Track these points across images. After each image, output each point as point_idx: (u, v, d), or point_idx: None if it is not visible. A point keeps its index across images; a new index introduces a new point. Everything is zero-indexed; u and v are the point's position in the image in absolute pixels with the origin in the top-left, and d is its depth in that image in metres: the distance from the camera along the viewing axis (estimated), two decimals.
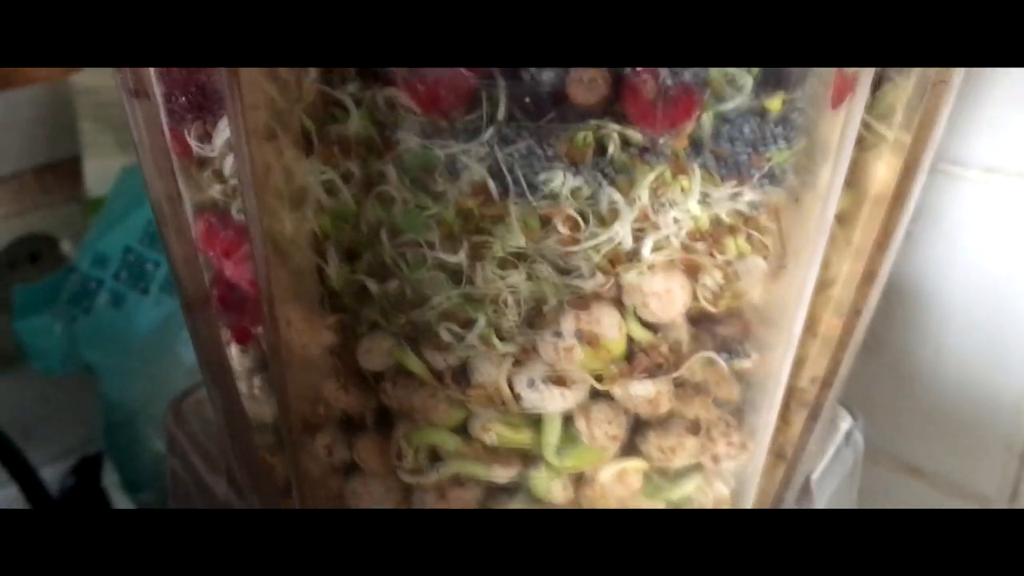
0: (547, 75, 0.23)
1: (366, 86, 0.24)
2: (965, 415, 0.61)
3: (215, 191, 0.29)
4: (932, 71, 0.29)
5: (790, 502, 0.37)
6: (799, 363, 0.33)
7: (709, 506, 0.32)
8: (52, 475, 0.85)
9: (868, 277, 0.32)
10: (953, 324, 0.60)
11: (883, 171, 0.30)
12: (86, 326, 0.69)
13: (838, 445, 0.40)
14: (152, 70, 0.28)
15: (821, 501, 0.38)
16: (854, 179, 0.31)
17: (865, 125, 0.29)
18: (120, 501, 0.80)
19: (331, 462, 0.31)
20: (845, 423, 0.41)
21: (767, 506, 0.36)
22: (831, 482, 0.40)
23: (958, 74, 0.29)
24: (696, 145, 0.25)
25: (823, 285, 0.32)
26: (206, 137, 0.29)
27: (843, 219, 0.31)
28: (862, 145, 0.30)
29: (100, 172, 0.71)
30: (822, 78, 0.25)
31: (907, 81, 0.29)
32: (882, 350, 0.62)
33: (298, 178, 0.26)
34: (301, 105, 0.25)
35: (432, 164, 0.24)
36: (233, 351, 0.33)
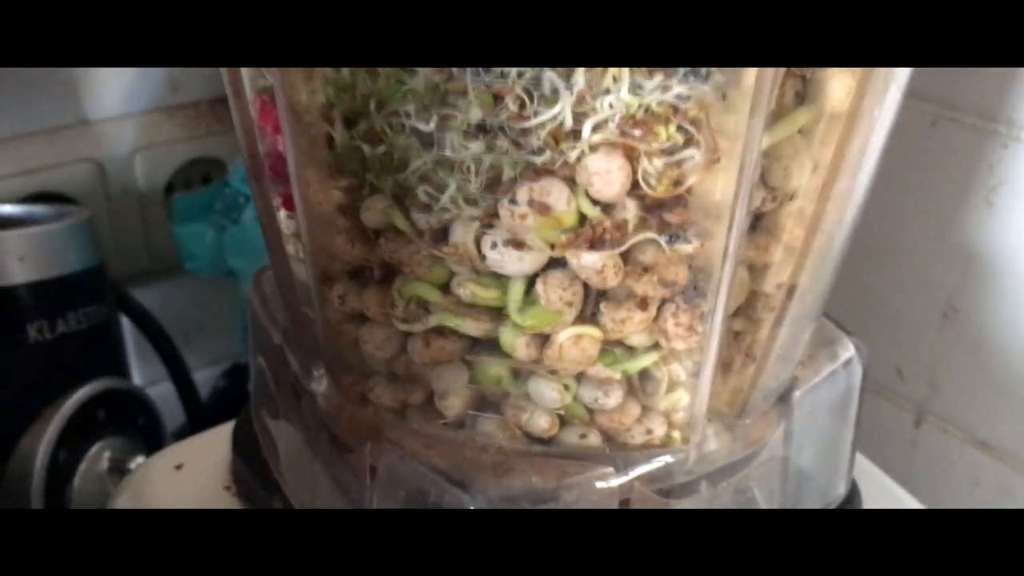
0: None
1: None
2: None
3: (267, 78, 0.36)
4: None
5: (763, 406, 0.40)
6: (764, 269, 0.37)
7: (666, 384, 0.36)
8: (206, 377, 0.95)
9: (826, 190, 0.35)
10: None
11: (837, 89, 0.33)
12: (233, 235, 0.78)
13: (833, 370, 0.43)
14: None
15: (801, 417, 0.41)
16: (812, 95, 0.34)
17: None
18: None
19: (344, 310, 0.37)
20: (847, 352, 0.44)
21: (738, 405, 0.39)
22: (819, 404, 0.43)
23: None
24: None
25: (786, 196, 0.36)
26: None
27: (804, 133, 0.35)
28: (819, 69, 0.33)
29: None
30: None
31: None
32: (957, 319, 0.63)
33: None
34: None
35: None
36: (282, 215, 0.39)
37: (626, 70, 0.29)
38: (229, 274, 0.80)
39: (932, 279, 0.63)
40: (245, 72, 0.37)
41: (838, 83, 0.33)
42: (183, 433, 0.87)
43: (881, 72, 0.33)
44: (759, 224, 0.36)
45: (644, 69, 0.30)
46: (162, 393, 0.85)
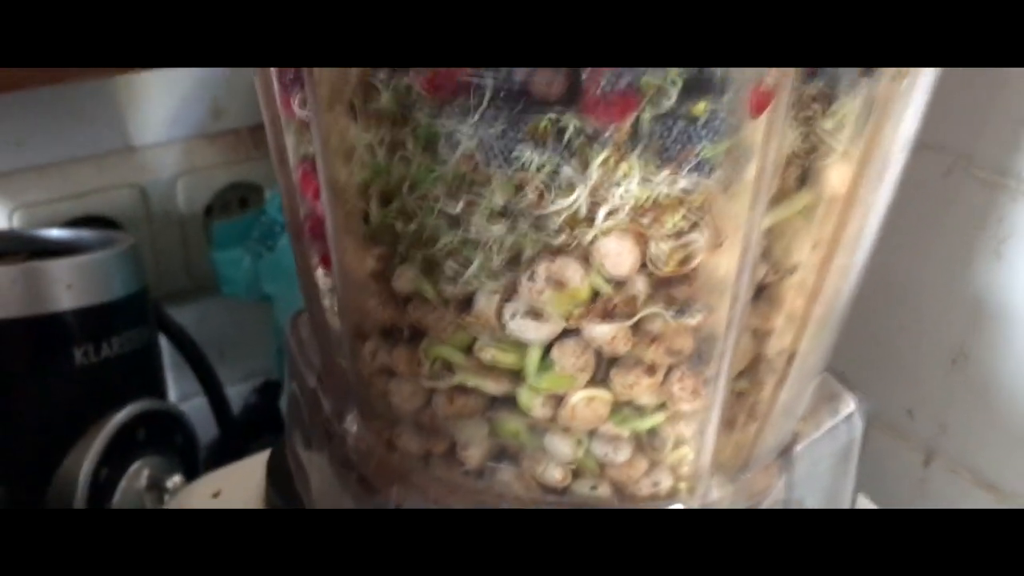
0: (518, 74, 0.31)
1: (392, 75, 0.33)
2: None
3: (308, 145, 0.39)
4: (878, 92, 0.35)
5: (765, 459, 0.43)
6: (766, 336, 0.40)
7: (672, 441, 0.39)
8: (239, 392, 0.99)
9: (826, 264, 0.38)
10: None
11: (835, 176, 0.36)
12: (269, 261, 0.82)
13: (834, 424, 0.45)
14: None
15: (802, 470, 0.44)
16: (812, 181, 0.37)
17: (820, 137, 0.35)
18: None
19: (375, 365, 0.40)
20: (848, 407, 0.46)
21: (741, 458, 0.42)
22: (821, 457, 0.45)
23: (900, 95, 0.35)
24: (636, 138, 0.32)
25: (787, 270, 0.38)
26: (303, 103, 0.38)
27: (804, 213, 0.37)
28: (818, 153, 0.36)
29: None
30: (740, 90, 0.31)
31: (854, 101, 0.35)
32: (967, 364, 0.65)
33: (348, 140, 0.35)
34: (349, 86, 0.34)
35: (436, 136, 0.33)
36: (319, 273, 0.42)
37: (636, 165, 0.32)
38: (264, 298, 0.83)
39: (943, 324, 0.66)
40: (289, 140, 0.40)
41: (835, 171, 0.36)
42: (216, 446, 0.90)
43: (876, 161, 0.36)
44: (762, 295, 0.38)
45: (653, 164, 0.32)
46: (196, 406, 0.88)
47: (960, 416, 0.67)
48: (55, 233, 0.81)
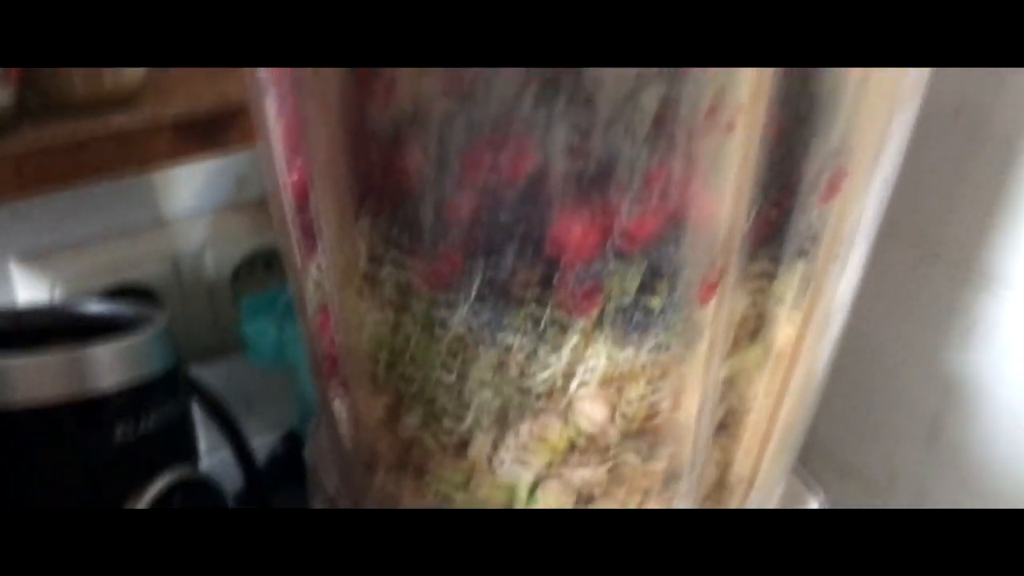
0: (500, 275, 0.37)
1: (396, 268, 0.38)
2: (1013, 501, 0.68)
3: (325, 296, 0.45)
4: (816, 269, 0.40)
5: None
6: (727, 466, 0.45)
7: None
8: (264, 442, 1.04)
9: (777, 407, 0.43)
10: (1004, 420, 0.67)
11: (781, 336, 0.41)
12: (293, 333, 0.87)
13: None
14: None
15: None
16: (762, 338, 0.42)
17: (765, 304, 0.41)
18: None
19: (384, 492, 0.46)
20: (814, 502, 0.51)
21: None
22: None
23: (835, 271, 0.40)
24: (601, 326, 0.37)
25: (743, 413, 0.44)
26: (319, 268, 0.44)
27: (758, 364, 0.43)
28: (766, 318, 0.41)
29: None
30: (690, 287, 0.37)
31: (794, 277, 0.40)
32: (941, 437, 0.71)
33: (359, 313, 0.41)
34: (358, 274, 0.39)
35: (432, 321, 0.38)
36: (337, 404, 0.48)
37: (602, 347, 0.38)
38: (288, 366, 0.89)
39: (919, 400, 0.71)
40: (308, 290, 0.46)
41: (782, 331, 0.41)
42: (242, 496, 0.96)
43: (817, 321, 0.41)
44: (721, 431, 0.44)
45: (617, 346, 0.38)
46: (225, 458, 0.94)
47: (936, 484, 0.72)
48: (93, 307, 0.86)
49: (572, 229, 0.34)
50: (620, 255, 0.35)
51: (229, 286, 1.00)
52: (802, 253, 0.39)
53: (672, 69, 0.31)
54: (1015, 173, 0.60)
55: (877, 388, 0.73)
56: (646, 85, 0.32)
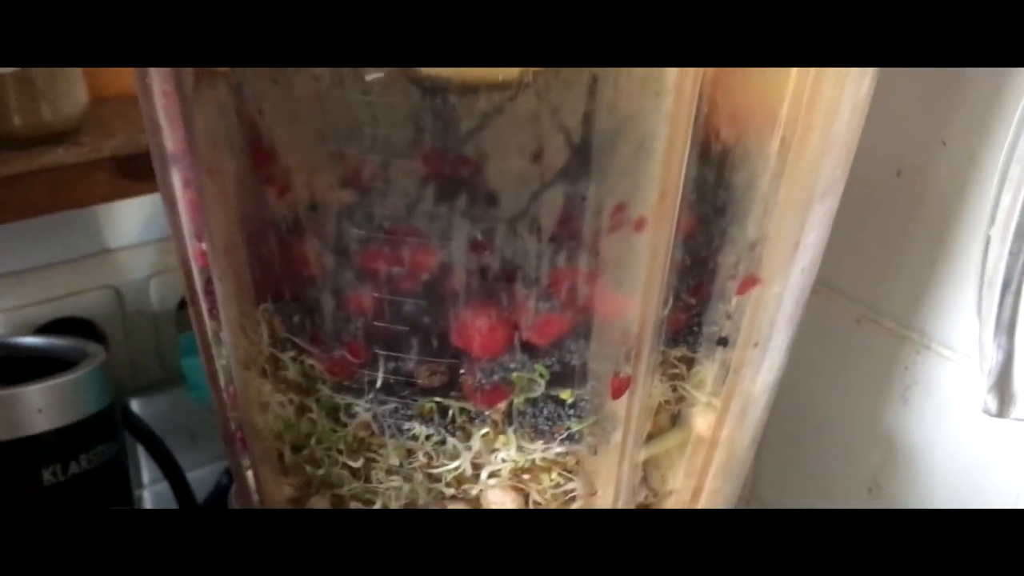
0: (406, 365, 0.35)
1: (298, 354, 0.37)
2: None
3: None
4: (734, 357, 0.39)
5: None
6: None
7: None
8: (211, 472, 1.03)
9: (699, 489, 0.42)
10: (943, 478, 0.67)
11: (701, 422, 0.40)
12: None
13: None
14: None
15: None
16: (682, 423, 0.41)
17: (685, 389, 0.40)
18: None
19: None
20: None
21: None
22: None
23: (754, 359, 0.39)
24: (511, 417, 0.36)
25: (665, 493, 0.43)
26: None
27: (678, 448, 0.42)
28: (685, 402, 0.40)
29: None
30: (601, 380, 0.35)
31: (712, 364, 0.39)
32: (882, 495, 0.70)
33: (263, 394, 0.39)
34: (262, 356, 0.38)
35: (337, 406, 0.37)
36: (249, 475, 0.47)
37: (513, 438, 0.36)
38: None
39: (858, 458, 0.70)
40: (220, 364, 0.44)
41: (701, 417, 0.40)
42: None
43: (737, 408, 0.40)
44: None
45: (528, 437, 0.37)
46: (166, 488, 0.92)
47: None
48: (29, 341, 0.84)
49: (478, 324, 0.33)
50: (528, 350, 0.34)
51: (174, 317, 0.98)
52: (721, 341, 0.38)
53: (576, 169, 0.30)
54: (954, 235, 0.60)
55: (818, 445, 0.72)
56: (551, 183, 0.31)
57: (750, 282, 0.37)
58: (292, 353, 0.37)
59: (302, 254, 0.33)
